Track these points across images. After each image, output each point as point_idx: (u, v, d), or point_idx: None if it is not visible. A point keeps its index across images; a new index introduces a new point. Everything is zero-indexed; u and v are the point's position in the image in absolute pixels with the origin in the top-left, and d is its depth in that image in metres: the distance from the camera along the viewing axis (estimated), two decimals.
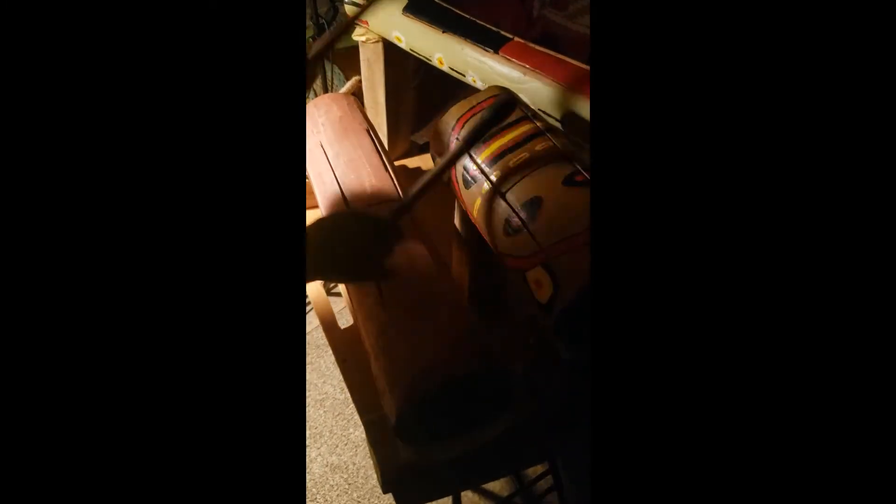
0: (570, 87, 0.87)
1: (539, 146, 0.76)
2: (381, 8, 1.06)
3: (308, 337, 1.69)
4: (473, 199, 0.79)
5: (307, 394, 1.57)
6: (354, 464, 1.43)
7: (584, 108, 0.86)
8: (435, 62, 1.04)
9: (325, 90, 1.90)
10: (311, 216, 1.17)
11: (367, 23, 1.11)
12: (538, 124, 0.80)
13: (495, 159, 0.77)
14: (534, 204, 0.71)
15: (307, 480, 1.40)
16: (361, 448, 1.46)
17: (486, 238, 0.79)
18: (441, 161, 0.72)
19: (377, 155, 0.98)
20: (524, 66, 0.91)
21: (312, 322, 1.62)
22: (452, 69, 1.02)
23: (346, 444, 1.47)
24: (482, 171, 0.78)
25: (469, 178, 0.79)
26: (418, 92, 1.31)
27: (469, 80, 1.01)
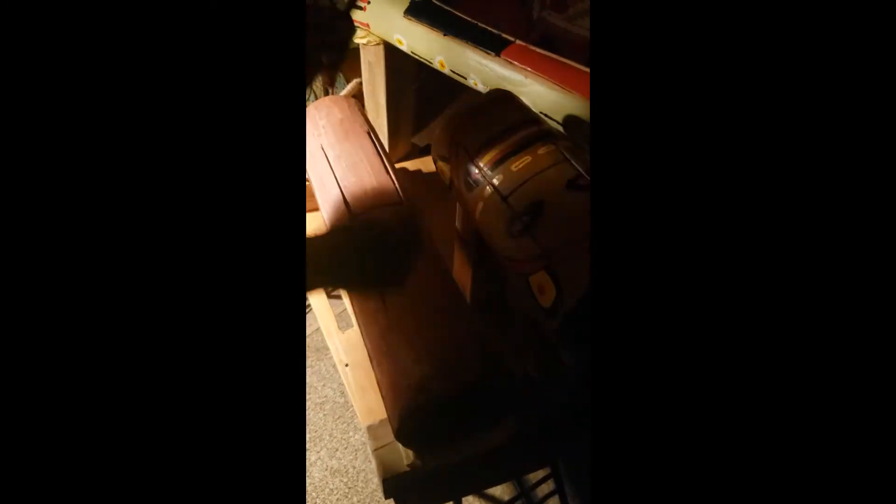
0: (571, 90, 0.87)
1: (541, 150, 0.75)
2: (382, 10, 1.06)
3: (308, 340, 1.68)
4: (476, 203, 0.79)
5: (307, 397, 1.56)
6: (354, 467, 1.43)
7: (586, 111, 0.86)
8: (436, 65, 1.04)
9: (326, 92, 1.90)
10: (312, 219, 1.18)
11: (368, 25, 1.10)
12: (540, 127, 0.80)
13: (498, 163, 0.76)
14: (536, 208, 0.70)
15: (307, 484, 1.40)
16: (361, 452, 1.46)
17: (489, 242, 0.79)
18: None
19: (378, 157, 0.98)
20: (526, 69, 0.91)
21: (313, 325, 1.62)
22: (454, 72, 1.02)
23: (346, 448, 1.47)
24: (484, 175, 0.77)
25: (471, 182, 0.79)
26: (419, 94, 1.31)
27: (470, 82, 1.00)
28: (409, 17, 1.03)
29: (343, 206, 0.89)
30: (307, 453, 1.45)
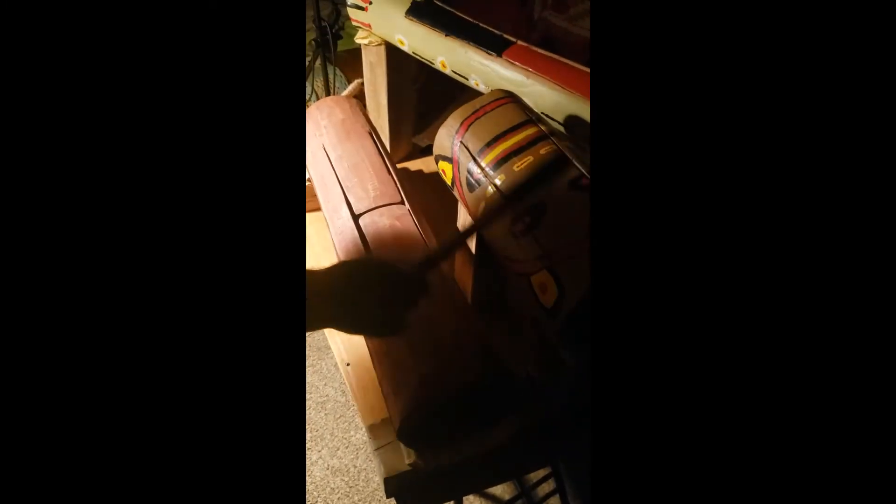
0: (572, 90, 0.87)
1: (543, 150, 0.76)
2: (384, 11, 1.06)
3: (309, 338, 1.68)
4: (477, 203, 0.79)
5: (308, 396, 1.56)
6: (356, 467, 1.43)
7: (587, 111, 0.86)
8: (438, 65, 1.04)
9: (328, 93, 1.91)
10: (312, 219, 1.18)
11: (370, 26, 1.11)
12: (542, 128, 0.80)
13: (499, 163, 0.76)
14: (538, 208, 0.70)
15: (308, 483, 1.40)
16: (363, 451, 1.46)
17: (490, 242, 0.79)
18: (476, 219, 0.70)
19: (379, 157, 0.98)
20: (527, 70, 0.91)
21: None
22: (455, 72, 1.02)
23: (347, 447, 1.47)
24: (486, 175, 0.77)
25: (473, 182, 0.79)
26: (420, 95, 1.31)
27: (472, 83, 1.00)
28: (411, 17, 1.03)
29: (345, 206, 0.89)
30: (308, 452, 1.45)
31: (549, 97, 0.89)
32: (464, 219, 0.91)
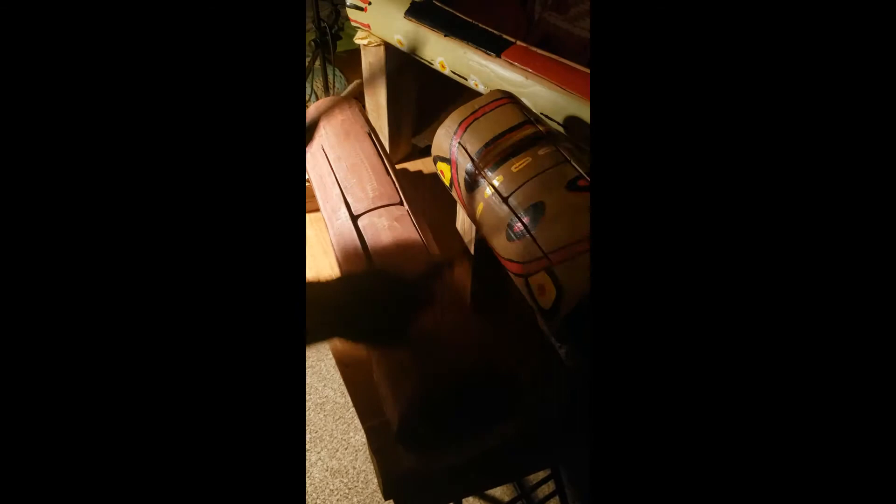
0: (572, 91, 0.87)
1: (542, 151, 0.75)
2: (383, 11, 1.06)
3: None
4: (476, 204, 0.79)
5: (307, 397, 1.56)
6: (355, 468, 1.43)
7: (586, 112, 0.86)
8: (437, 66, 1.04)
9: (327, 93, 1.91)
10: (311, 219, 1.18)
11: (369, 26, 1.11)
12: (540, 128, 0.80)
13: (498, 163, 0.76)
14: (536, 209, 0.70)
15: (307, 485, 1.40)
16: (362, 452, 1.46)
17: (489, 243, 0.79)
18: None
19: (379, 158, 0.98)
20: (526, 70, 0.91)
21: None
22: (454, 73, 1.02)
23: (346, 449, 1.47)
24: (484, 176, 0.77)
25: (472, 183, 0.79)
26: (420, 95, 1.31)
27: (471, 83, 1.00)
28: (410, 17, 1.03)
29: (344, 207, 0.89)
30: (307, 454, 1.45)
31: (548, 98, 0.89)
32: (462, 219, 0.91)
